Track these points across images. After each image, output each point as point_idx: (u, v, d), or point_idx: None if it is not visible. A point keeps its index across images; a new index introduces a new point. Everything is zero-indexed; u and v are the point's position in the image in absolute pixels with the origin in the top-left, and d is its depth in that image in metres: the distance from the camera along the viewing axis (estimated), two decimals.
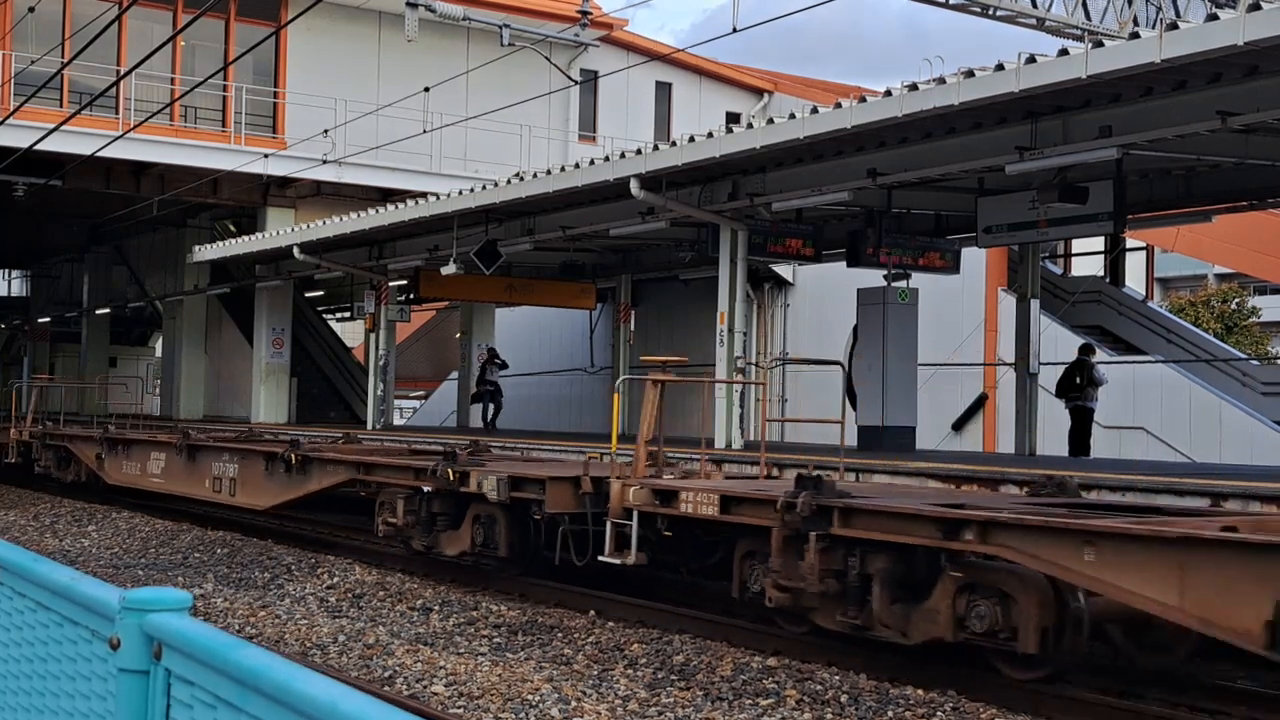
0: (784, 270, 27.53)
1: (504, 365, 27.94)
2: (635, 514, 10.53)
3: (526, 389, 31.08)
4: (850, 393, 19.53)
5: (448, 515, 13.03)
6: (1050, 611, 7.98)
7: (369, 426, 24.48)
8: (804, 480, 9.21)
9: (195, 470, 17.78)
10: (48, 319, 42.14)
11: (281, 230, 25.18)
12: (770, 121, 14.72)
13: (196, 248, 28.60)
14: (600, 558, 10.96)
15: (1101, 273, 25.46)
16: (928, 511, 8.41)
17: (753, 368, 20.80)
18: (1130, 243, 25.88)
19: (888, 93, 13.13)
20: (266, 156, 24.45)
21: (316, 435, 19.98)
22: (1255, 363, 26.65)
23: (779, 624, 9.81)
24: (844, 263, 18.50)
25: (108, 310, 37.74)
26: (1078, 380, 19.40)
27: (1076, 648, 8.12)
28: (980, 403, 24.32)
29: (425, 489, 13.01)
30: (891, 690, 8.56)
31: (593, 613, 11.35)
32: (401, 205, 21.51)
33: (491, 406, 26.93)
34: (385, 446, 16.70)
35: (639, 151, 16.68)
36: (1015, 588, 8.07)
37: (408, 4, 20.87)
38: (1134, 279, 26.79)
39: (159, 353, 41.03)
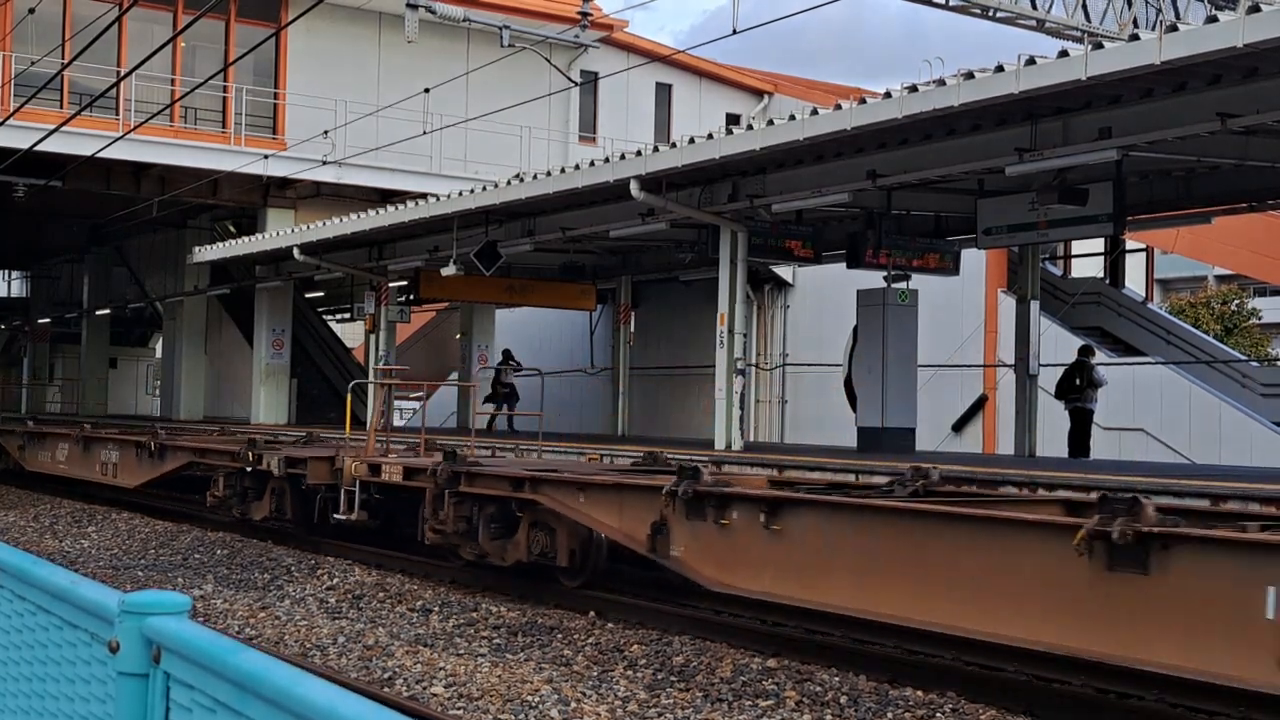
0: (784, 271, 27.53)
1: (518, 367, 27.90)
2: (357, 482, 14.02)
3: (525, 390, 31.04)
4: (850, 394, 19.54)
5: (254, 489, 16.43)
6: (576, 539, 11.77)
7: (368, 427, 24.45)
8: (447, 454, 12.81)
9: (89, 457, 21.05)
10: (48, 320, 42.13)
11: (281, 231, 25.19)
12: (770, 123, 14.73)
13: (196, 248, 28.60)
14: (335, 516, 14.41)
15: (1101, 274, 25.47)
16: (504, 473, 12.23)
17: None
18: (1130, 244, 25.89)
19: (887, 94, 13.14)
20: (266, 157, 24.45)
21: (186, 428, 23.19)
22: (1255, 364, 26.65)
23: (444, 559, 13.37)
24: (844, 264, 18.50)
25: (108, 311, 37.73)
26: (1077, 381, 19.40)
27: (598, 564, 12.02)
28: (980, 404, 24.32)
29: (247, 469, 16.20)
30: (891, 691, 8.57)
31: (592, 614, 11.36)
32: (401, 206, 21.52)
33: (506, 407, 26.96)
34: (224, 436, 19.79)
35: (639, 153, 16.69)
36: (556, 523, 11.72)
37: (408, 5, 20.87)
38: (1134, 280, 26.80)
39: (159, 353, 41.03)
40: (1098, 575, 7.07)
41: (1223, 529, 7.08)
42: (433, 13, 21.45)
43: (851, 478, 11.79)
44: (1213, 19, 10.48)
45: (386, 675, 9.15)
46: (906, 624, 8.37)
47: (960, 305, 23.67)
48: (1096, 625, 7.15)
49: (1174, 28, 10.67)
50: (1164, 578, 6.83)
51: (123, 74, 20.71)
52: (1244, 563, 6.49)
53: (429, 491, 12.76)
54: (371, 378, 24.99)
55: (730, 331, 17.01)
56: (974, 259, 21.10)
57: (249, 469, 16.05)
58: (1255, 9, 9.89)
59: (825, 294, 26.42)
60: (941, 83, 12.50)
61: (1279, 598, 6.16)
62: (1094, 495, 7.68)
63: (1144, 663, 7.12)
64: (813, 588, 8.82)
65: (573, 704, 8.15)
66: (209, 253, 27.98)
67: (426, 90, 21.86)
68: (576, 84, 26.96)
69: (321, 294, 36.09)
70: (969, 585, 7.81)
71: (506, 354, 27.91)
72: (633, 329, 26.73)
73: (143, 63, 17.59)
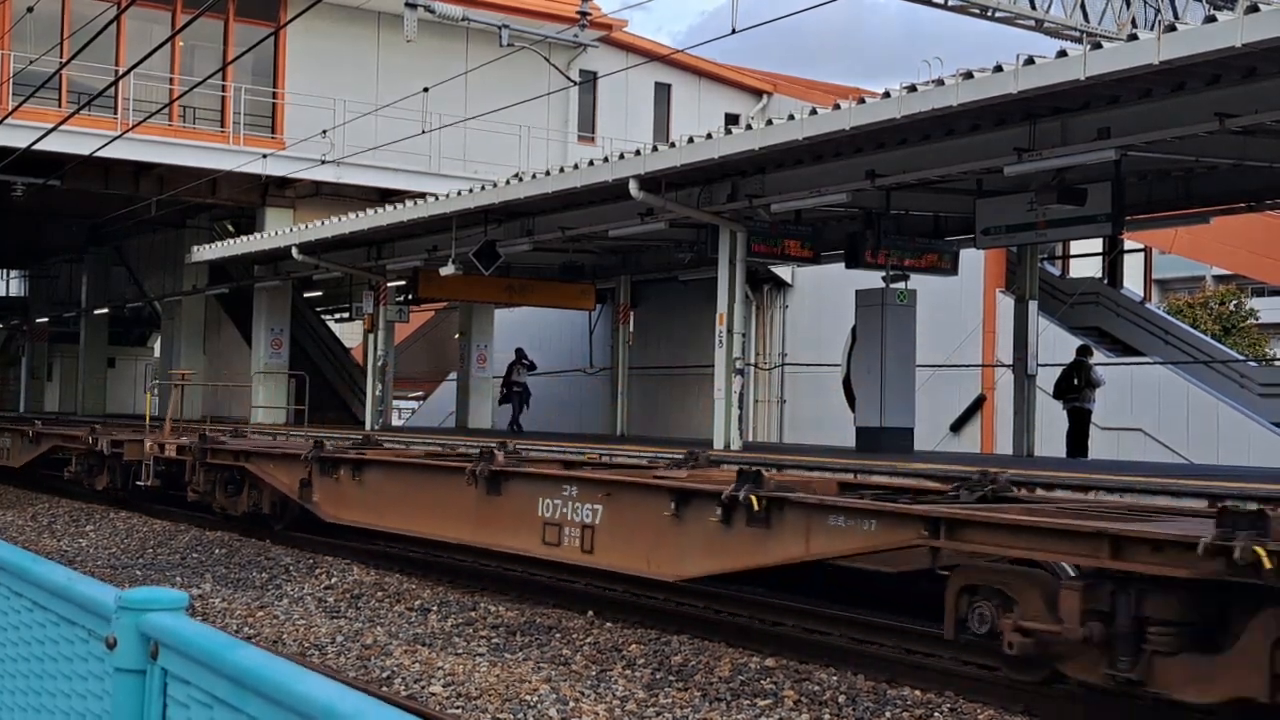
0: (783, 271, 27.53)
1: (532, 366, 27.86)
2: (153, 458, 18.45)
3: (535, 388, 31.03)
4: (849, 394, 19.54)
5: (97, 465, 20.59)
6: (277, 495, 15.94)
7: (367, 427, 24.47)
8: (200, 436, 17.53)
9: None
10: (46, 319, 42.11)
11: (280, 231, 25.17)
12: (769, 123, 14.73)
13: (195, 248, 28.58)
14: (137, 482, 18.76)
15: (1100, 274, 25.47)
16: (232, 448, 16.87)
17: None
18: (1128, 244, 25.89)
19: (886, 94, 13.14)
20: (265, 157, 24.44)
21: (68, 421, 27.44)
22: (1253, 364, 26.66)
23: (208, 511, 17.84)
24: (843, 264, 18.51)
25: (106, 311, 37.71)
26: (1075, 381, 19.41)
27: (293, 512, 15.98)
28: (978, 404, 24.32)
29: (95, 450, 20.10)
30: (890, 691, 8.57)
31: (590, 613, 11.36)
32: (400, 206, 21.51)
33: (520, 407, 26.99)
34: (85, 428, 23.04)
35: (638, 152, 16.69)
36: (263, 485, 16.20)
37: (407, 4, 20.87)
38: (1132, 280, 26.81)
39: (158, 353, 41.01)
40: (481, 497, 12.07)
41: (531, 467, 12.16)
42: (432, 12, 21.46)
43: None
44: (1211, 19, 10.48)
45: (385, 674, 9.15)
46: (410, 534, 13.72)
47: (959, 305, 23.67)
48: (481, 526, 12.18)
49: (1172, 28, 10.68)
50: (506, 497, 11.90)
51: (121, 73, 20.67)
52: (532, 487, 11.63)
53: (189, 462, 17.54)
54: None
55: (729, 331, 17.00)
56: (972, 259, 21.10)
57: (95, 450, 20.22)
58: (1254, 9, 9.90)
59: (824, 294, 26.42)
60: (940, 83, 12.50)
61: (543, 504, 11.35)
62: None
63: (498, 546, 12.26)
64: (376, 516, 13.99)
65: (571, 703, 8.15)
66: (207, 252, 27.96)
67: (425, 90, 21.86)
68: (575, 83, 26.95)
69: (320, 294, 36.07)
70: (435, 506, 12.85)
71: (519, 353, 27.85)
72: (632, 329, 26.71)
73: (141, 61, 17.58)
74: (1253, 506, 7.12)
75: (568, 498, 11.09)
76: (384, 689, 8.68)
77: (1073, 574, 7.64)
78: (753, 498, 9.20)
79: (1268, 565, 6.28)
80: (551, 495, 11.27)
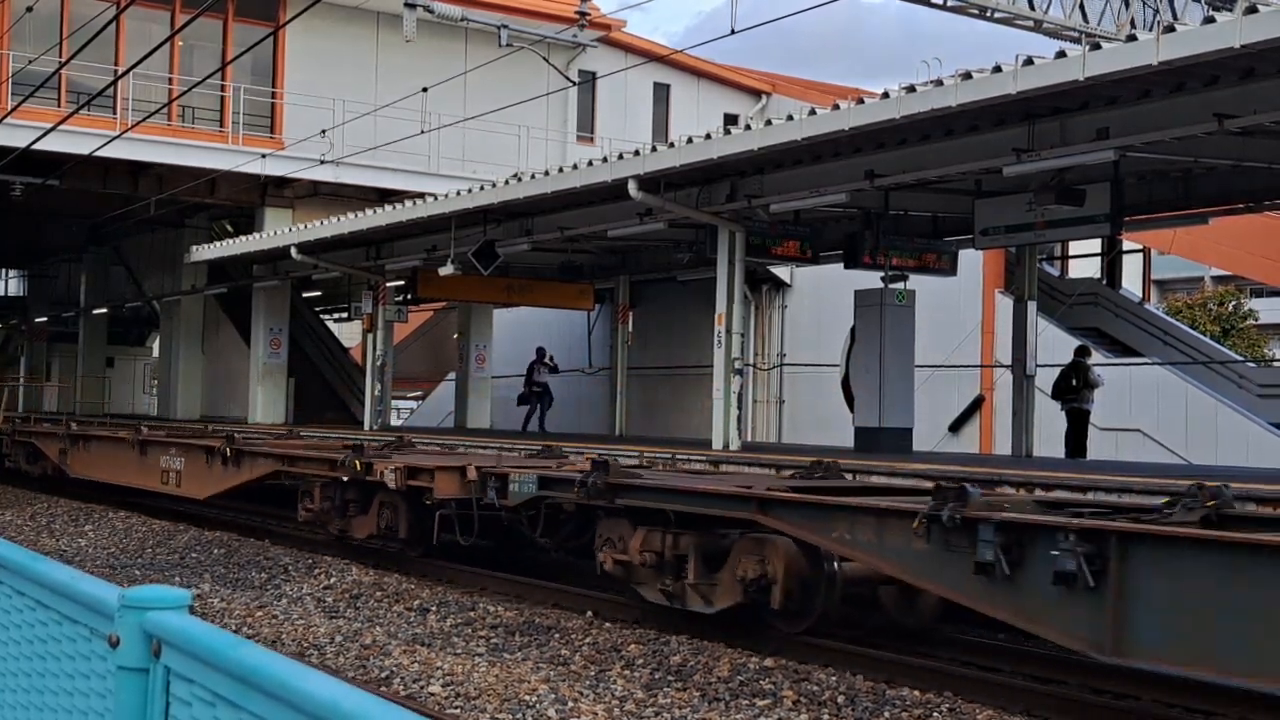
0: (782, 271, 27.54)
1: (554, 368, 27.72)
2: None
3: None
4: (847, 394, 19.55)
5: None
6: (52, 461, 21.90)
7: (366, 427, 24.48)
8: (12, 422, 24.39)
9: None
10: (45, 319, 42.09)
11: (279, 230, 25.18)
12: (768, 123, 14.74)
13: (194, 248, 28.58)
14: None
15: (1098, 275, 25.48)
16: (27, 429, 23.97)
17: None
18: (1127, 245, 25.91)
19: (885, 95, 13.15)
20: (264, 156, 24.44)
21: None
22: (1252, 365, 26.68)
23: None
24: (841, 264, 18.52)
25: (105, 310, 37.70)
26: (1074, 382, 19.42)
27: (48, 474, 22.69)
28: (977, 404, 24.34)
29: None
30: (889, 691, 8.58)
31: (590, 613, 11.37)
32: (399, 206, 21.51)
33: (539, 407, 26.97)
34: None
35: (637, 153, 16.70)
36: (44, 455, 22.03)
37: (406, 4, 20.87)
38: (1131, 281, 26.83)
39: (156, 353, 40.99)
40: (138, 457, 18.57)
41: (155, 436, 18.85)
42: (431, 12, 21.46)
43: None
44: (1210, 20, 10.50)
45: (384, 674, 9.15)
46: (111, 482, 19.66)
47: (958, 305, 23.69)
48: (138, 474, 18.44)
49: (1171, 28, 10.70)
50: (149, 456, 18.32)
51: (120, 73, 20.67)
52: (158, 449, 18.29)
53: (5, 440, 24.24)
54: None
55: (728, 331, 17.02)
56: (971, 259, 21.12)
57: None
58: (1252, 10, 9.92)
59: (823, 294, 26.43)
60: (939, 83, 12.52)
61: (163, 459, 18.02)
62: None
63: (145, 486, 18.66)
64: (95, 471, 20.14)
65: (570, 703, 8.16)
66: (206, 252, 27.96)
67: (424, 90, 21.86)
68: (574, 83, 26.95)
69: (319, 293, 36.07)
70: (121, 463, 19.09)
71: (540, 352, 27.76)
72: (631, 329, 26.71)
73: (140, 61, 17.58)
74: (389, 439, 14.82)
75: (173, 455, 17.85)
76: (382, 689, 8.68)
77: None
78: (228, 449, 16.35)
79: (358, 468, 13.47)
80: (165, 454, 18.04)
